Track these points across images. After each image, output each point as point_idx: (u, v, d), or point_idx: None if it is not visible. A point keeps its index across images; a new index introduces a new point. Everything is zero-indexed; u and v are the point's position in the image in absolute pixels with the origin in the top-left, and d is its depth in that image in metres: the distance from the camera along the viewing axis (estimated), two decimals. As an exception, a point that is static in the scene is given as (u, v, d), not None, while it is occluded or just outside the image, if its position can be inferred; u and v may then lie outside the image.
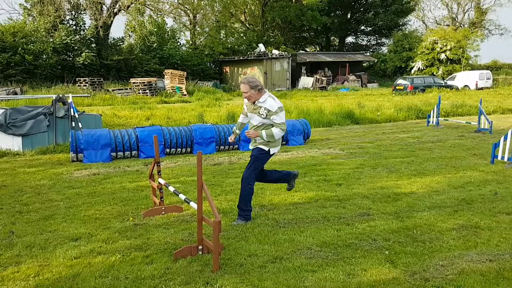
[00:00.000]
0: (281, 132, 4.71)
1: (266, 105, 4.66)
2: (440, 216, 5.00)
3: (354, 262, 3.81)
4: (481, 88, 31.20)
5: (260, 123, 4.75)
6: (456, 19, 53.56)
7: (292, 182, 5.32)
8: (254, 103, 4.78)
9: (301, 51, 47.28)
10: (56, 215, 5.20)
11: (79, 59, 30.73)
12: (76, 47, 31.26)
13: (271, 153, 4.86)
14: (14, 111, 9.65)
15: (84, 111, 11.17)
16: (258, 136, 4.74)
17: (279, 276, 3.56)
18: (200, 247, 3.94)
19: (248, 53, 37.00)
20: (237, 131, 5.38)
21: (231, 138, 5.34)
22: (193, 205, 4.06)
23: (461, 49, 37.75)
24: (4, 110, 9.61)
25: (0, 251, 4.11)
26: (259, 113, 4.71)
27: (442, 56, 37.76)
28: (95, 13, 33.48)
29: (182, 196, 4.39)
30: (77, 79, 27.74)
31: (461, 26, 50.01)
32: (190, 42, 42.21)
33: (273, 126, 4.72)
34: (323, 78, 35.53)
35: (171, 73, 28.84)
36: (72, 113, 9.92)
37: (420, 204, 5.45)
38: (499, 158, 7.74)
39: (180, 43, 40.74)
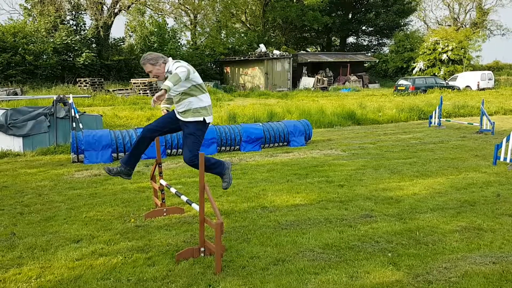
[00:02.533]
0: (183, 69, 3.97)
1: (168, 70, 4.20)
2: (442, 218, 4.98)
3: (357, 265, 3.79)
4: (483, 89, 31.14)
5: (178, 93, 4.19)
6: (458, 20, 53.49)
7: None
8: (166, 78, 4.25)
9: (302, 51, 47.27)
10: (57, 216, 5.18)
11: (80, 59, 30.73)
12: (76, 47, 31.26)
13: (207, 121, 4.28)
14: (14, 111, 9.63)
15: (84, 112, 11.16)
16: (164, 91, 3.80)
17: (282, 279, 3.54)
18: (202, 249, 3.93)
19: (249, 53, 36.97)
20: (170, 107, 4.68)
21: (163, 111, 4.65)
22: (195, 206, 4.05)
23: (462, 49, 37.70)
24: (4, 110, 9.60)
25: (1, 253, 4.10)
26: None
27: (444, 56, 37.71)
28: (95, 13, 33.48)
29: (184, 198, 4.37)
30: (77, 79, 27.73)
31: (462, 27, 49.93)
32: (191, 42, 42.19)
33: (197, 87, 4.20)
34: (324, 79, 35.50)
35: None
36: (73, 114, 9.91)
37: (423, 206, 5.43)
38: (502, 159, 7.71)
39: (181, 43, 40.72)
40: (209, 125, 4.45)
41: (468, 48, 39.08)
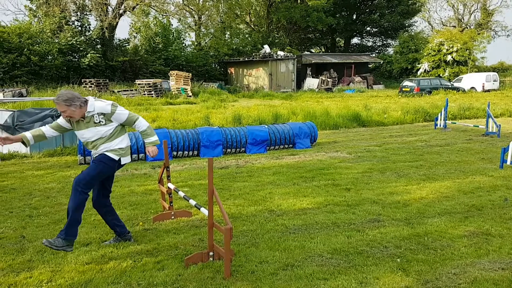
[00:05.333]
0: (144, 121, 4.24)
1: (96, 111, 3.99)
2: (450, 223, 4.97)
3: (366, 270, 3.79)
4: (488, 90, 31.02)
5: (107, 132, 4.06)
6: (462, 20, 53.34)
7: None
8: (82, 118, 4.00)
9: (307, 52, 47.27)
10: (66, 219, 5.15)
11: (85, 60, 30.87)
12: (81, 48, 31.41)
13: (122, 163, 4.15)
14: (21, 113, 9.69)
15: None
16: (154, 145, 4.23)
17: (291, 284, 3.54)
18: (211, 253, 3.94)
19: (253, 54, 37.00)
20: (30, 139, 4.25)
21: (4, 140, 4.19)
22: (204, 211, 4.06)
23: (467, 50, 37.57)
24: (11, 112, 9.66)
25: (12, 256, 4.13)
26: (94, 122, 4.00)
27: (449, 57, 37.60)
28: (100, 14, 33.62)
29: (192, 202, 4.39)
30: (82, 80, 27.86)
31: (467, 28, 49.79)
32: (195, 43, 42.30)
33: (124, 126, 4.19)
34: (329, 80, 35.48)
35: (176, 74, 28.92)
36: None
37: (430, 210, 5.42)
38: (508, 162, 7.67)
39: (185, 44, 40.90)
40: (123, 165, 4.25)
41: (473, 49, 38.96)
